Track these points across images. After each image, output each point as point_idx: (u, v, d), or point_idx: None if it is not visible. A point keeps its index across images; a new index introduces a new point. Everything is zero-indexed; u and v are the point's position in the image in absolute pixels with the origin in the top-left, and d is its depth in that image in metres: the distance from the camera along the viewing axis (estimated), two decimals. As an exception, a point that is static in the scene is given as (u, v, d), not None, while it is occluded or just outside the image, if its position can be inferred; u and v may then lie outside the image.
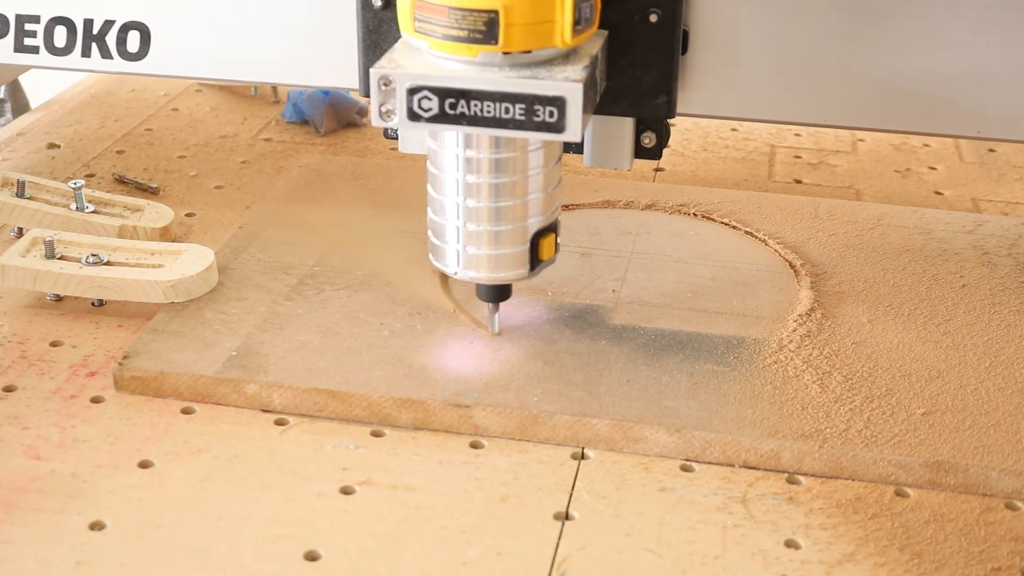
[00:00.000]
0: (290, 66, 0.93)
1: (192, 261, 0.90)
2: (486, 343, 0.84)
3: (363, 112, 1.26)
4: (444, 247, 0.81)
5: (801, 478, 0.75)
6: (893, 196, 1.13)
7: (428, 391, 0.79)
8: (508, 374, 0.81)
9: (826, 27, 0.83)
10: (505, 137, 0.76)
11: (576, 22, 0.72)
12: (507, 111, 0.72)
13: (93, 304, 0.91)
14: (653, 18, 0.80)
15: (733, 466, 0.76)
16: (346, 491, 0.73)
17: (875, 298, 0.91)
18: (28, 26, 0.95)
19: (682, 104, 0.84)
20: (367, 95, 0.83)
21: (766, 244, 0.99)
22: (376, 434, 0.78)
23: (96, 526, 0.70)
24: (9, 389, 0.82)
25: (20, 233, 0.99)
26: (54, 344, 0.87)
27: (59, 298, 0.92)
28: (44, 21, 0.95)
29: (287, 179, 1.09)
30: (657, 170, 1.17)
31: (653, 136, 0.85)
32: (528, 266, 0.81)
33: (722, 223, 1.02)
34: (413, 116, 0.73)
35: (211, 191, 1.10)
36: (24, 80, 1.55)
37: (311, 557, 0.68)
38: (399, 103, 0.73)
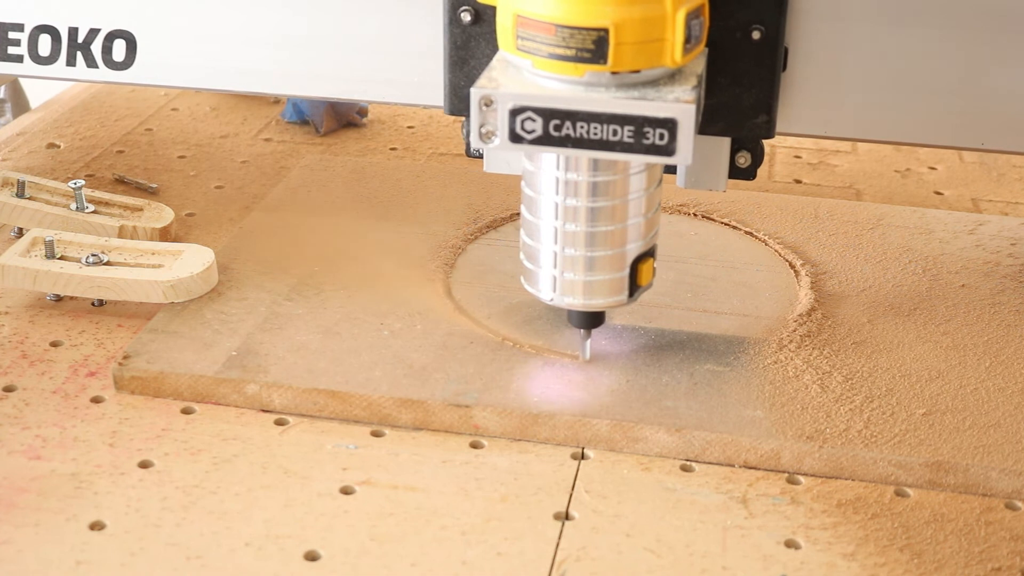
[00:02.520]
0: (280, 75, 0.91)
1: (192, 261, 0.90)
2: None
3: (363, 112, 1.26)
4: (538, 272, 0.79)
5: (801, 478, 0.75)
6: (893, 196, 1.13)
7: (428, 391, 0.79)
8: (508, 374, 0.81)
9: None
10: (608, 160, 0.73)
11: (686, 41, 0.69)
12: (615, 133, 0.68)
13: (93, 304, 0.91)
14: (756, 35, 0.77)
15: (733, 466, 0.76)
16: (346, 491, 0.73)
17: (875, 298, 0.91)
18: (12, 34, 0.93)
19: (780, 123, 0.82)
20: (452, 113, 0.82)
21: (766, 244, 0.99)
22: (376, 434, 0.78)
23: (96, 526, 0.70)
24: (9, 389, 0.82)
25: (20, 233, 0.99)
26: (54, 344, 0.87)
27: (59, 298, 0.92)
28: (28, 29, 0.93)
29: (287, 179, 1.09)
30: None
31: (748, 156, 0.82)
32: (627, 292, 0.79)
33: (722, 223, 1.02)
34: (515, 138, 0.69)
35: (211, 191, 1.10)
36: (24, 80, 1.55)
37: (311, 557, 0.68)
38: (501, 124, 0.69)
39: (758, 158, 0.82)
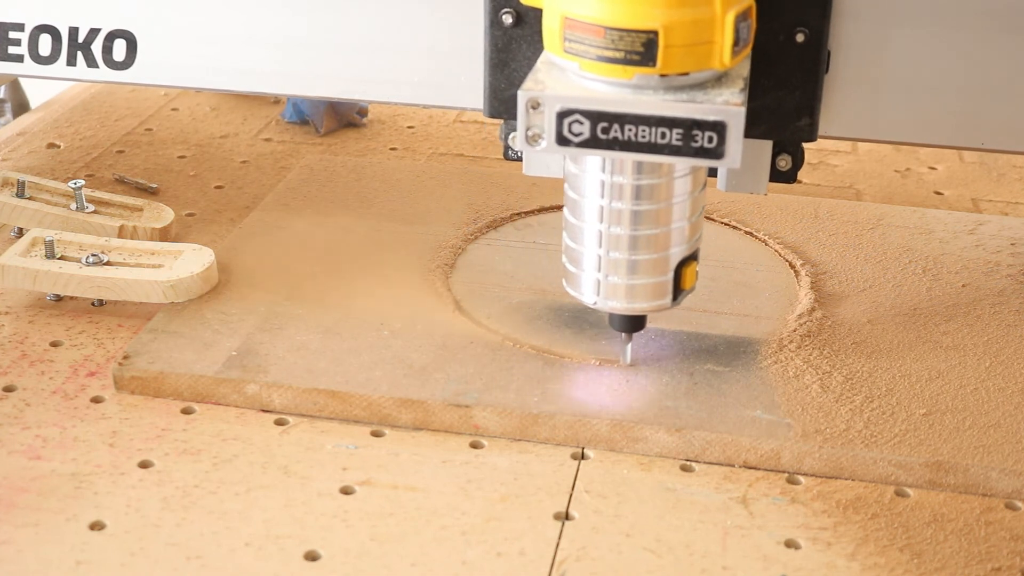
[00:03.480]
0: (279, 75, 0.91)
1: (192, 261, 0.90)
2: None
3: (363, 112, 1.26)
4: (581, 275, 0.79)
5: (801, 478, 0.75)
6: (893, 196, 1.13)
7: (428, 391, 0.79)
8: (508, 374, 0.81)
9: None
10: (653, 163, 0.73)
11: (735, 43, 0.69)
12: (663, 136, 0.68)
13: (93, 304, 0.91)
14: (800, 38, 0.77)
15: (733, 466, 0.76)
16: (346, 491, 0.73)
17: (875, 298, 0.91)
18: (12, 34, 0.93)
19: (821, 126, 0.81)
20: (493, 116, 0.81)
21: (766, 244, 0.99)
22: (376, 434, 0.78)
23: (96, 526, 0.70)
24: (9, 389, 0.82)
25: (20, 233, 0.99)
26: (54, 344, 0.87)
27: (59, 298, 0.92)
28: (28, 29, 0.93)
29: (287, 179, 1.09)
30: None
31: (789, 159, 0.82)
32: (671, 296, 0.78)
33: (722, 223, 1.02)
34: (562, 141, 0.69)
35: (211, 191, 1.10)
36: (24, 80, 1.55)
37: (311, 557, 0.68)
38: (547, 127, 0.69)
39: (799, 161, 0.82)
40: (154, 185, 1.10)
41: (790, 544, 0.70)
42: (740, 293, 0.91)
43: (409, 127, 1.26)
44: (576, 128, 0.69)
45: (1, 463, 0.74)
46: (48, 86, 1.37)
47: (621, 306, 0.79)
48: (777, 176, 0.82)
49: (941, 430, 0.77)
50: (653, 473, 0.75)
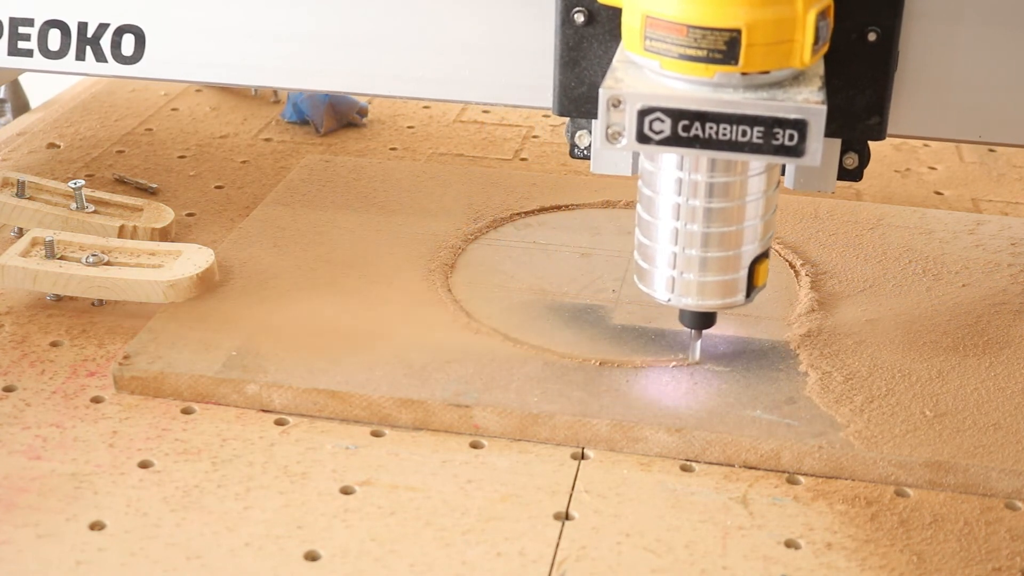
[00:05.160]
0: (287, 70, 0.92)
1: (192, 261, 0.90)
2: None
3: (363, 112, 1.26)
4: (654, 272, 0.79)
5: (801, 478, 0.75)
6: (893, 196, 1.13)
7: (428, 391, 0.79)
8: (508, 374, 0.81)
9: None
10: (730, 161, 0.74)
11: (815, 42, 0.69)
12: (744, 134, 0.68)
13: (93, 304, 0.91)
14: (871, 37, 0.77)
15: (733, 466, 0.76)
16: (346, 491, 0.73)
17: (875, 298, 0.91)
18: (22, 29, 0.94)
19: (889, 124, 0.81)
20: (561, 114, 0.81)
21: (766, 244, 0.99)
22: (376, 434, 0.78)
23: (96, 526, 0.70)
24: (9, 389, 0.82)
25: (20, 233, 0.99)
26: (54, 344, 0.87)
27: (59, 298, 0.92)
28: (38, 24, 0.94)
29: (287, 179, 1.09)
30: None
31: (856, 157, 0.82)
32: (744, 292, 0.79)
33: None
34: (643, 139, 0.69)
35: (211, 191, 1.10)
36: (24, 80, 1.55)
37: (311, 557, 0.68)
38: (628, 125, 0.69)
39: (865, 160, 0.82)
40: (154, 185, 1.10)
41: (790, 544, 0.70)
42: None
43: (409, 127, 1.26)
44: (657, 126, 0.69)
45: (1, 463, 0.74)
46: (48, 86, 1.37)
47: (695, 303, 0.79)
48: (844, 175, 0.83)
49: (941, 430, 0.77)
50: (653, 473, 0.75)
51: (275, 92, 1.31)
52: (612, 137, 0.70)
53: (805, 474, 0.75)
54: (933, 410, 0.78)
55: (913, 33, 0.81)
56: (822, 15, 0.69)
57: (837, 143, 0.81)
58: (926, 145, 1.24)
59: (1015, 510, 0.73)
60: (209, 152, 1.18)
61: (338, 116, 1.24)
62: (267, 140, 1.21)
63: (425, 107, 1.30)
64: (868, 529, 0.71)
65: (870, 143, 0.81)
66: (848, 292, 0.92)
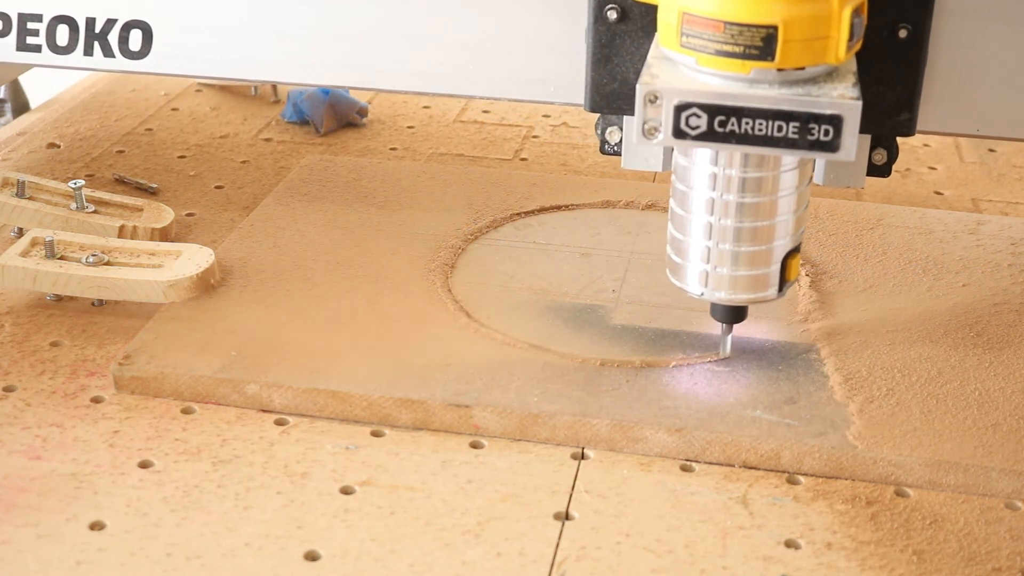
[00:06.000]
0: (293, 65, 0.93)
1: (192, 261, 0.90)
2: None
3: (363, 112, 1.26)
4: (687, 266, 0.79)
5: (801, 478, 0.75)
6: (893, 196, 1.13)
7: (428, 391, 0.79)
8: (508, 374, 0.81)
9: None
10: (763, 156, 0.75)
11: (849, 38, 0.70)
12: (779, 129, 0.69)
13: (93, 304, 0.91)
14: (902, 34, 0.78)
15: (733, 466, 0.76)
16: (346, 491, 0.73)
17: (875, 298, 0.91)
18: (30, 25, 0.95)
19: (919, 121, 0.82)
20: (593, 110, 0.82)
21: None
22: (376, 434, 0.78)
23: (96, 526, 0.70)
24: (9, 389, 0.82)
25: (20, 233, 0.99)
26: (54, 344, 0.87)
27: (59, 298, 0.92)
28: (46, 20, 0.95)
29: (287, 179, 1.09)
30: (657, 170, 1.17)
31: (884, 153, 0.83)
32: (777, 286, 0.79)
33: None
34: (679, 134, 0.70)
35: (211, 191, 1.10)
36: (24, 80, 1.55)
37: (311, 557, 0.68)
38: (665, 120, 0.70)
39: (893, 155, 0.83)
40: (154, 185, 1.10)
41: (790, 544, 0.70)
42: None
43: (409, 127, 1.26)
44: (693, 121, 0.70)
45: (1, 463, 0.74)
46: (48, 86, 1.37)
47: (727, 297, 0.79)
48: (872, 171, 0.83)
49: (941, 430, 0.77)
50: (653, 473, 0.75)
51: (275, 92, 1.31)
52: (648, 132, 0.71)
53: (805, 474, 0.75)
54: (933, 410, 0.78)
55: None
56: (856, 12, 0.70)
57: (867, 139, 0.82)
58: (926, 145, 1.24)
59: (1015, 510, 0.73)
60: (209, 152, 1.18)
61: (338, 116, 1.24)
62: (267, 140, 1.21)
63: (425, 107, 1.30)
64: (868, 529, 0.71)
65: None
66: (848, 292, 0.92)
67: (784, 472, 0.75)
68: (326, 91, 1.23)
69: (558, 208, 1.04)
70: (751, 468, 0.76)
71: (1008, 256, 0.97)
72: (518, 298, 0.90)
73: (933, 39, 0.81)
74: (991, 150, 1.23)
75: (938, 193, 1.14)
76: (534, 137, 1.24)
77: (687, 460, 0.76)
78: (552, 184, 1.08)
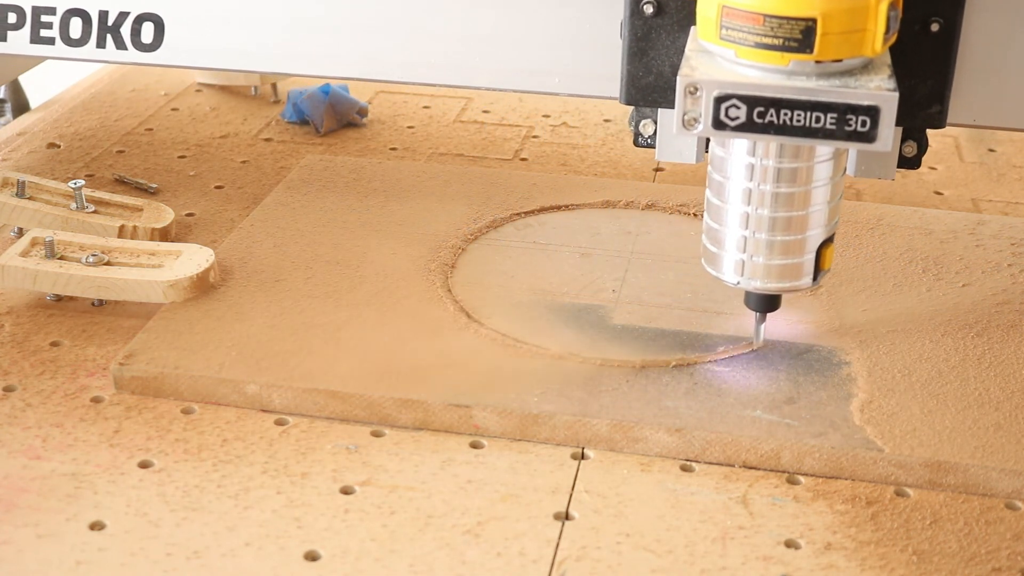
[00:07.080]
0: (303, 57, 0.93)
1: (192, 261, 0.90)
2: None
3: (363, 112, 1.26)
4: (723, 256, 0.80)
5: (801, 478, 0.75)
6: (893, 196, 1.13)
7: (428, 391, 0.79)
8: (508, 374, 0.81)
9: None
10: (799, 147, 0.76)
11: (886, 31, 0.71)
12: (818, 120, 0.70)
13: (93, 304, 0.91)
14: (934, 27, 0.79)
15: (733, 466, 0.76)
16: (346, 491, 0.73)
17: (875, 298, 0.91)
18: (44, 17, 0.96)
19: (949, 113, 0.83)
20: (628, 102, 0.83)
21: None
22: (376, 434, 0.78)
23: (96, 526, 0.70)
24: (9, 389, 0.82)
25: (20, 233, 0.99)
26: (54, 344, 0.87)
27: (59, 298, 0.92)
28: (60, 13, 0.96)
29: (287, 179, 1.09)
30: (657, 170, 1.17)
31: (914, 146, 0.83)
32: (812, 275, 0.80)
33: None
34: (719, 125, 0.71)
35: (211, 191, 1.10)
36: (24, 80, 1.55)
37: (311, 557, 0.68)
38: (705, 112, 0.71)
39: (923, 148, 0.84)
40: (154, 185, 1.10)
41: (790, 544, 0.70)
42: (740, 293, 0.91)
43: (409, 127, 1.26)
44: (733, 112, 0.71)
45: (1, 463, 0.74)
46: (48, 86, 1.37)
47: (763, 286, 0.80)
48: (903, 163, 0.84)
49: (941, 430, 0.77)
50: (653, 473, 0.75)
51: (275, 91, 1.31)
52: (688, 123, 0.72)
53: (805, 474, 0.75)
54: (933, 410, 0.78)
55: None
56: (892, 5, 0.71)
57: (898, 131, 0.83)
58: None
59: (1015, 510, 0.73)
60: (209, 152, 1.18)
61: (338, 116, 1.24)
62: (267, 140, 1.21)
63: (425, 107, 1.30)
64: (868, 529, 0.71)
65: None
66: (848, 292, 0.92)
67: (784, 472, 0.75)
68: (326, 91, 1.23)
69: (558, 208, 1.04)
70: (751, 468, 0.76)
71: (1008, 256, 0.97)
72: (518, 298, 0.90)
73: (964, 33, 0.81)
74: (991, 150, 1.23)
75: (938, 193, 1.14)
76: (534, 137, 1.24)
77: (687, 460, 0.76)
78: (552, 184, 1.08)
